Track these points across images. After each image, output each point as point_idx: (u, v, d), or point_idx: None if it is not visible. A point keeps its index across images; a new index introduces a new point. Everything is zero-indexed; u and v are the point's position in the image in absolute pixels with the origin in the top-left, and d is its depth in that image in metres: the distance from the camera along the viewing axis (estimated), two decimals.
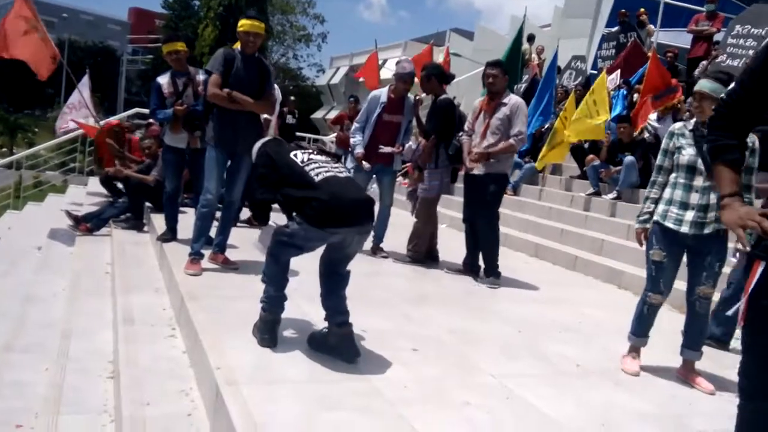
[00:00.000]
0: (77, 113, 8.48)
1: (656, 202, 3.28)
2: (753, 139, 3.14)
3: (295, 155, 2.92)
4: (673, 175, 3.24)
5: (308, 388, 2.49)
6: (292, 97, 12.71)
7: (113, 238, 5.95)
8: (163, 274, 4.53)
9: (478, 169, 4.86)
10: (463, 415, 2.43)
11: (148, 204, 6.45)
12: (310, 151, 3.02)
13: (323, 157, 2.97)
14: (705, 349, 3.31)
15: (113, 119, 7.06)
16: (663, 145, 3.31)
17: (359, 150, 5.28)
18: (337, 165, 2.97)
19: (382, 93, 5.33)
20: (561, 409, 2.61)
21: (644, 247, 3.34)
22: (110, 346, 3.51)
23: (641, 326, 3.40)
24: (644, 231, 3.32)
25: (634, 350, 3.39)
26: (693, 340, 3.28)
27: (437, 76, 5.27)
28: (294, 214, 2.79)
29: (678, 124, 3.35)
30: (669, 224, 3.17)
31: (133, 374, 2.83)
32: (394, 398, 2.33)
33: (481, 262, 4.97)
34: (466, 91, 17.11)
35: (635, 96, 8.80)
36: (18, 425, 2.78)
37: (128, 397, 2.60)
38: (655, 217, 3.25)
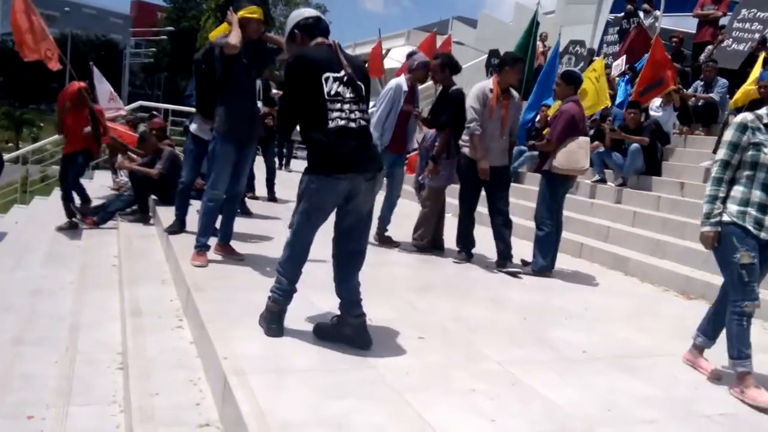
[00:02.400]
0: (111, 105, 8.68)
1: (724, 201, 2.95)
2: None
3: (326, 79, 2.73)
4: (746, 172, 2.91)
5: (315, 377, 2.50)
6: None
7: (120, 231, 5.99)
8: (169, 266, 4.56)
9: (501, 161, 4.97)
10: (469, 402, 2.44)
11: (153, 197, 6.47)
12: (342, 77, 2.76)
13: (349, 94, 2.76)
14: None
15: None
16: (732, 138, 2.93)
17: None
18: (355, 108, 2.78)
19: (403, 82, 5.30)
20: (566, 395, 2.62)
21: (714, 251, 3.08)
22: (118, 338, 3.55)
23: (746, 344, 2.88)
24: (716, 234, 2.98)
25: (748, 377, 2.84)
26: (716, 332, 3.19)
27: (451, 67, 5.31)
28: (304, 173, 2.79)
29: (749, 116, 2.96)
30: (749, 227, 2.89)
31: (142, 365, 2.86)
32: (401, 386, 2.35)
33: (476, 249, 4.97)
34: (470, 80, 17.05)
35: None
36: (29, 416, 2.81)
37: (137, 387, 2.63)
38: (730, 218, 2.92)
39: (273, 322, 2.91)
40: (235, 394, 2.25)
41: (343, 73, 2.76)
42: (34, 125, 35.86)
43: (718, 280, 4.78)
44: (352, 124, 2.75)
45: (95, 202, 6.86)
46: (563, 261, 5.45)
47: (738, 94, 6.70)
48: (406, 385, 2.39)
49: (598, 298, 4.51)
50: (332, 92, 2.72)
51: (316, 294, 3.61)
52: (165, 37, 40.76)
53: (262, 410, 2.15)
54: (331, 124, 2.70)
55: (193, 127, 5.09)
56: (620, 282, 5.20)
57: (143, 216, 6.27)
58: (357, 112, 2.78)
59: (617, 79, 9.06)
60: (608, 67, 9.22)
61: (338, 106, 2.72)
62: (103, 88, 8.89)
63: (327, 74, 2.72)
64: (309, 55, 2.80)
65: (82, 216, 6.41)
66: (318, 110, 2.71)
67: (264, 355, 2.67)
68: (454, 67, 5.35)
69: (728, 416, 2.63)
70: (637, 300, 4.67)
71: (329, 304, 3.11)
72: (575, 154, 4.70)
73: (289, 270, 2.89)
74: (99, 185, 9.03)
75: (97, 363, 3.24)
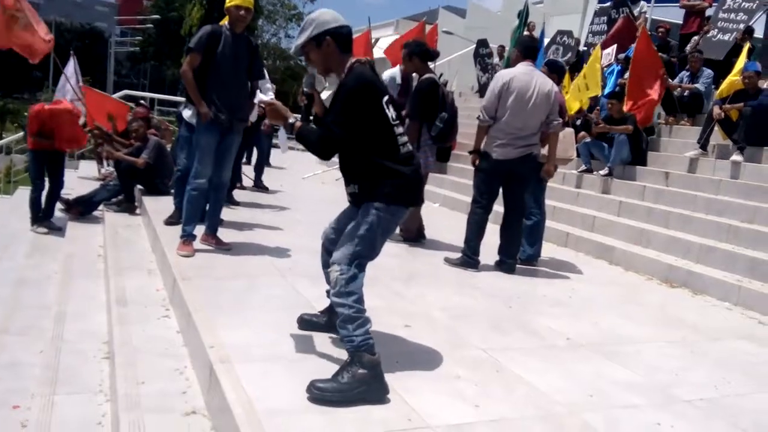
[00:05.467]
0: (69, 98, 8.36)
1: None
2: None
3: (387, 105, 2.50)
4: None
5: (301, 365, 2.52)
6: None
7: (105, 221, 5.94)
8: (155, 256, 4.54)
9: (535, 150, 4.60)
10: (453, 388, 2.47)
11: (139, 186, 6.43)
12: (389, 99, 2.55)
13: (396, 116, 2.57)
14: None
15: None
16: None
17: None
18: (402, 130, 2.61)
19: (397, 74, 5.22)
20: (550, 381, 2.66)
21: None
22: (104, 327, 3.54)
23: None
24: None
25: None
26: None
27: (419, 55, 5.10)
28: (368, 202, 2.49)
29: None
30: None
31: (128, 354, 2.85)
32: (387, 373, 2.36)
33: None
34: (458, 70, 17.05)
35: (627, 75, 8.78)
36: (15, 406, 2.81)
37: (123, 376, 2.63)
38: None
39: (379, 381, 2.35)
40: (222, 382, 2.26)
41: (387, 95, 2.58)
42: (19, 115, 35.34)
43: (700, 268, 4.91)
44: (410, 147, 2.62)
45: (80, 192, 6.79)
46: (549, 250, 5.50)
47: (723, 85, 6.76)
48: (391, 372, 2.40)
49: (583, 287, 4.56)
50: (393, 117, 2.51)
51: (302, 282, 3.63)
52: (151, 25, 40.24)
53: (249, 397, 2.16)
54: (403, 150, 2.51)
55: (186, 114, 5.00)
56: (605, 271, 5.26)
57: (129, 206, 6.23)
58: (405, 134, 2.64)
59: (605, 69, 9.09)
60: None
61: (400, 130, 2.57)
62: (71, 81, 8.56)
63: (385, 97, 2.51)
64: (371, 78, 2.50)
65: (67, 207, 6.36)
66: (387, 137, 2.49)
67: (250, 344, 2.68)
68: (425, 54, 5.13)
69: (708, 401, 2.68)
70: (622, 288, 4.73)
71: (315, 292, 3.12)
72: (562, 143, 4.72)
73: (359, 309, 2.42)
74: (84, 175, 8.95)
75: (82, 352, 3.23)
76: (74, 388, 2.88)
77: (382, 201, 2.48)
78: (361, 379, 2.26)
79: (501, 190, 4.73)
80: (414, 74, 5.46)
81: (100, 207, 6.44)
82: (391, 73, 5.26)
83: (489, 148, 4.58)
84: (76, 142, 6.46)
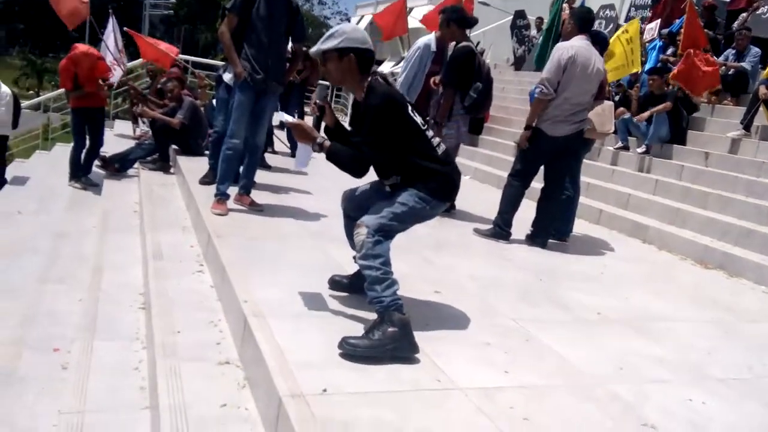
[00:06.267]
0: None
1: None
2: None
3: (413, 113, 2.60)
4: None
5: (333, 321, 2.55)
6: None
7: (140, 179, 6.05)
8: (190, 214, 4.61)
9: (586, 125, 4.50)
10: (483, 354, 2.48)
11: (173, 146, 6.51)
12: (413, 107, 2.67)
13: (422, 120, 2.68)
14: None
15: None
16: None
17: None
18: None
19: (432, 41, 5.11)
20: (579, 353, 2.65)
21: None
22: (140, 279, 3.63)
23: None
24: None
25: None
26: None
27: (456, 21, 4.93)
28: (412, 189, 2.55)
29: None
30: None
31: (164, 305, 2.93)
32: (416, 335, 2.38)
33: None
34: (494, 42, 16.70)
35: (670, 50, 8.51)
36: (55, 349, 2.92)
37: (159, 325, 2.70)
38: None
39: (409, 338, 2.37)
40: (255, 335, 2.30)
41: (409, 104, 2.65)
42: (56, 74, 35.93)
43: (738, 251, 4.79)
44: (444, 146, 2.70)
45: (116, 150, 6.90)
46: (581, 226, 5.43)
47: None
48: (421, 335, 2.42)
49: (615, 263, 4.50)
50: (421, 122, 2.60)
51: (332, 246, 3.66)
52: None
53: (281, 350, 2.20)
54: (440, 151, 2.63)
55: (226, 77, 5.00)
56: (638, 249, 5.18)
57: (164, 165, 6.32)
58: (436, 137, 2.72)
59: (647, 44, 8.82)
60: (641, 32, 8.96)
61: (431, 133, 2.66)
62: (108, 42, 8.64)
63: (409, 107, 2.59)
64: (394, 94, 2.58)
65: (103, 163, 6.48)
66: (421, 141, 2.58)
67: (282, 301, 2.72)
68: (462, 21, 4.96)
69: (741, 381, 2.65)
70: (655, 267, 4.66)
71: (345, 256, 3.13)
72: (600, 116, 4.61)
73: (385, 272, 2.44)
74: (119, 133, 9.09)
75: (119, 302, 3.33)
76: (112, 335, 2.97)
77: (427, 193, 2.56)
78: (392, 336, 2.28)
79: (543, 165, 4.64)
80: (451, 43, 5.37)
81: (135, 165, 6.55)
82: (426, 40, 5.16)
83: (542, 125, 4.43)
84: (98, 72, 6.47)
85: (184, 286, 3.22)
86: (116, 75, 8.18)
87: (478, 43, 5.25)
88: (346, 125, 2.84)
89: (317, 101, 2.77)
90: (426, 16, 11.08)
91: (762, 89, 6.31)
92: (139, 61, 10.99)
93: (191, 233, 4.19)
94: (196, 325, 2.76)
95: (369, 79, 2.58)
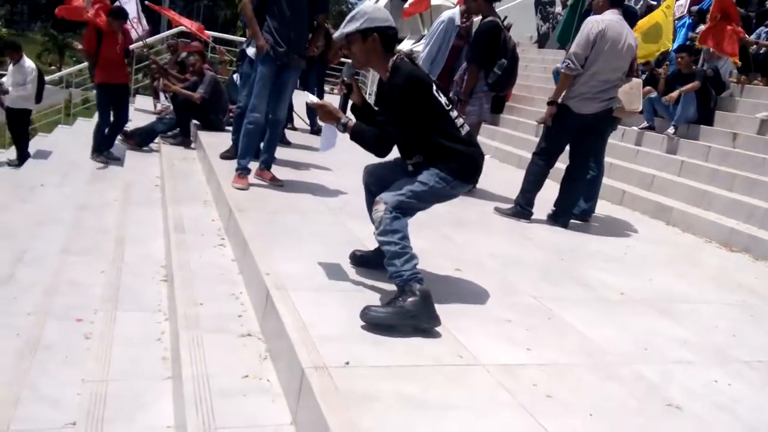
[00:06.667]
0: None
1: None
2: None
3: (438, 93, 2.57)
4: None
5: (354, 296, 2.54)
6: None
7: (162, 153, 6.08)
8: (210, 188, 4.63)
9: (615, 104, 4.39)
10: (504, 331, 2.46)
11: (194, 121, 6.52)
12: (438, 87, 2.63)
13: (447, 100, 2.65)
14: None
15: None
16: None
17: None
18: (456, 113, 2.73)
19: (456, 15, 5.01)
20: (602, 332, 2.62)
21: None
22: (162, 252, 3.66)
23: None
24: None
25: None
26: None
27: None
28: (434, 168, 2.55)
29: None
30: None
31: (186, 277, 2.94)
32: (438, 310, 2.36)
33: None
34: (515, 19, 16.38)
35: (700, 28, 8.27)
36: (78, 319, 2.96)
37: (182, 297, 2.71)
38: None
39: (430, 309, 2.36)
40: (278, 307, 2.31)
41: (435, 85, 2.62)
42: (76, 49, 36.19)
43: (764, 234, 4.69)
44: (468, 128, 2.68)
45: (137, 125, 6.93)
46: (603, 207, 5.35)
47: None
48: (443, 309, 2.40)
49: (638, 244, 4.43)
50: (446, 102, 2.59)
51: (353, 221, 3.64)
52: None
53: (303, 323, 2.20)
54: (463, 132, 2.60)
55: (250, 50, 4.97)
56: (662, 231, 5.10)
57: (185, 139, 6.34)
58: (460, 117, 2.69)
59: (676, 21, 8.59)
60: None
61: (455, 113, 2.63)
62: (134, 22, 8.64)
63: (434, 87, 2.57)
64: (417, 73, 2.53)
65: (125, 137, 6.51)
66: (446, 122, 2.58)
67: (304, 275, 2.72)
68: None
69: (766, 364, 2.60)
70: (679, 249, 4.58)
71: (366, 231, 3.12)
72: (628, 94, 4.50)
73: (405, 244, 2.44)
74: (140, 107, 9.13)
75: (142, 274, 3.36)
76: (134, 306, 3.00)
77: (449, 173, 2.56)
78: (413, 305, 2.29)
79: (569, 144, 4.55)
80: (476, 18, 5.26)
81: (157, 139, 6.58)
82: (450, 14, 5.06)
83: (569, 102, 4.33)
84: (98, 17, 6.42)
85: (205, 259, 3.23)
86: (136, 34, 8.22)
87: (505, 18, 5.12)
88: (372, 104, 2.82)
89: (345, 79, 2.76)
90: None
91: None
92: (159, 36, 10.99)
93: (212, 207, 4.21)
94: (218, 297, 2.77)
95: (394, 58, 2.57)
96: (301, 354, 1.98)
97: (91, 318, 2.95)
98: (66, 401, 2.31)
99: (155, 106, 9.16)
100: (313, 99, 2.70)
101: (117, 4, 7.51)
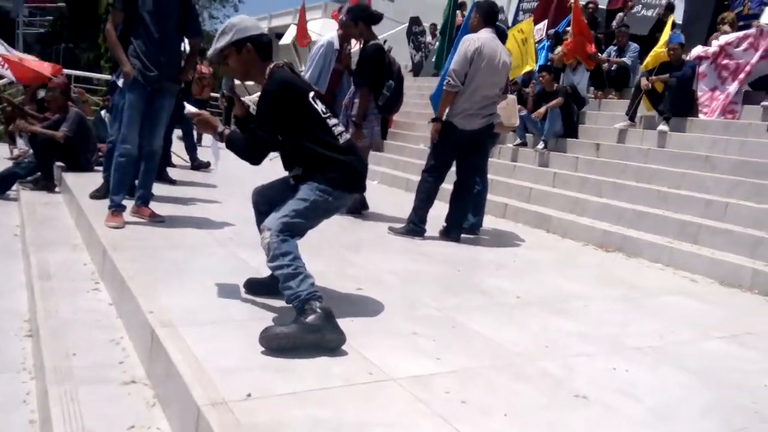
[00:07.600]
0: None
1: None
2: None
3: (314, 100, 2.53)
4: None
5: (252, 325, 2.35)
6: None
7: (21, 201, 5.48)
8: (80, 232, 4.21)
9: (496, 119, 4.56)
10: (412, 343, 2.40)
11: (58, 163, 5.97)
12: (316, 95, 2.59)
13: (327, 109, 2.60)
14: None
15: None
16: None
17: None
18: (336, 121, 2.66)
19: (334, 39, 5.00)
20: (505, 335, 2.64)
21: None
22: (25, 305, 3.24)
23: None
24: None
25: None
26: None
27: (365, 20, 4.88)
28: (312, 182, 2.49)
29: None
30: None
31: (54, 327, 2.60)
32: (342, 330, 2.26)
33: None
34: (390, 48, 16.94)
35: (558, 49, 8.96)
36: None
37: (50, 348, 2.39)
38: None
39: (332, 323, 2.27)
40: (165, 345, 2.08)
41: (313, 91, 2.59)
42: None
43: (633, 233, 5.07)
44: (348, 136, 2.64)
45: None
46: (489, 221, 5.53)
47: (648, 58, 7.00)
48: (348, 329, 2.30)
49: (525, 252, 4.61)
50: (323, 110, 2.55)
51: (244, 251, 3.46)
52: (63, 3, 37.75)
53: (197, 358, 2.00)
54: (341, 140, 2.55)
55: (120, 81, 4.65)
56: (544, 238, 5.35)
57: (47, 183, 5.77)
58: (340, 125, 2.65)
59: (536, 44, 9.25)
60: None
61: (334, 121, 2.58)
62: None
63: (310, 93, 2.54)
64: (291, 79, 2.51)
65: None
66: (322, 130, 2.52)
67: (194, 308, 2.50)
68: (369, 18, 4.90)
69: (655, 348, 2.74)
70: (561, 253, 4.81)
71: (259, 259, 2.95)
72: (506, 110, 4.72)
73: (296, 266, 2.34)
74: None
75: (2, 331, 2.94)
76: None
77: (328, 184, 2.51)
78: (315, 323, 2.19)
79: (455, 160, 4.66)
80: (354, 42, 5.32)
81: (14, 187, 5.93)
82: (329, 38, 5.08)
83: (453, 119, 4.43)
84: None
85: (78, 305, 2.89)
86: None
87: (385, 41, 5.21)
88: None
89: (225, 92, 2.67)
90: (333, 14, 11.30)
91: (643, 80, 6.79)
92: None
93: (83, 251, 3.82)
94: (94, 345, 2.47)
95: (271, 66, 2.54)
96: (195, 392, 1.78)
97: None
98: None
99: (11, 151, 8.32)
100: (191, 109, 2.58)
101: None
